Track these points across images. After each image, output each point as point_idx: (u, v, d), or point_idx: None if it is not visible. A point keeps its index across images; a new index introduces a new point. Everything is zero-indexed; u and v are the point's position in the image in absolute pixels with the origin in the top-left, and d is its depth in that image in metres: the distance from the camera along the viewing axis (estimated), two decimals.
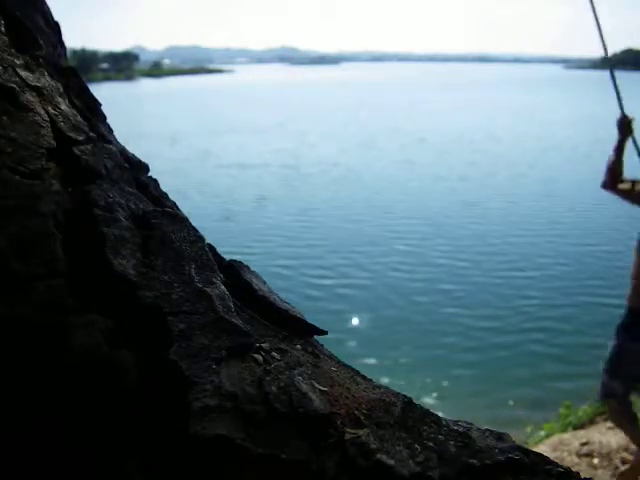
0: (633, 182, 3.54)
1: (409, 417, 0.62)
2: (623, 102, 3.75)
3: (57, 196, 0.62)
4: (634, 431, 3.55)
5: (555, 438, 4.93)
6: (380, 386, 0.69)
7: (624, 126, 3.64)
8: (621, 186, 3.56)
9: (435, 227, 12.18)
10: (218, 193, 15.36)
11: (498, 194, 14.99)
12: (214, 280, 0.68)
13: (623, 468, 4.01)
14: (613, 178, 3.58)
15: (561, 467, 0.61)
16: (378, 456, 0.55)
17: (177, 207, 0.84)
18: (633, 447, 4.01)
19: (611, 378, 3.49)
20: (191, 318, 0.61)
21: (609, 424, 4.85)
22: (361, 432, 0.57)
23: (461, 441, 0.61)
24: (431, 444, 0.59)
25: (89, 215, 0.64)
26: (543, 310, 8.51)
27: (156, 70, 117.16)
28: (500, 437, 0.64)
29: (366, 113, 35.68)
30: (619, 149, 3.62)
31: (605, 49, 3.96)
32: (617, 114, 3.65)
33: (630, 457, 4.22)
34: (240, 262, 0.79)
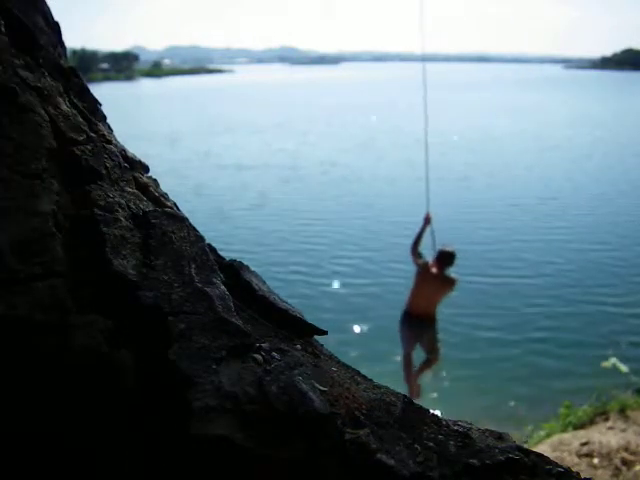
0: (422, 259, 5.54)
1: (409, 417, 0.62)
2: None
3: (57, 196, 0.62)
4: (407, 374, 5.69)
5: (555, 438, 4.93)
6: (380, 386, 0.69)
7: (427, 219, 5.64)
8: (416, 259, 5.54)
9: (435, 228, 12.17)
10: (218, 193, 15.35)
11: (498, 195, 14.97)
12: (214, 280, 0.67)
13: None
14: (414, 249, 5.56)
15: (561, 467, 0.61)
16: (378, 456, 0.55)
17: (177, 207, 0.84)
18: (633, 447, 4.12)
19: (401, 344, 5.80)
20: (191, 318, 0.61)
21: (609, 424, 4.85)
22: (361, 432, 0.57)
23: (461, 441, 0.61)
24: (431, 444, 0.59)
25: (89, 215, 0.64)
26: (543, 311, 8.51)
27: (156, 70, 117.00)
28: (500, 437, 0.64)
29: (366, 113, 35.65)
30: (420, 234, 5.60)
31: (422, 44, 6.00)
32: None
33: (630, 457, 4.23)
34: (240, 262, 0.79)
